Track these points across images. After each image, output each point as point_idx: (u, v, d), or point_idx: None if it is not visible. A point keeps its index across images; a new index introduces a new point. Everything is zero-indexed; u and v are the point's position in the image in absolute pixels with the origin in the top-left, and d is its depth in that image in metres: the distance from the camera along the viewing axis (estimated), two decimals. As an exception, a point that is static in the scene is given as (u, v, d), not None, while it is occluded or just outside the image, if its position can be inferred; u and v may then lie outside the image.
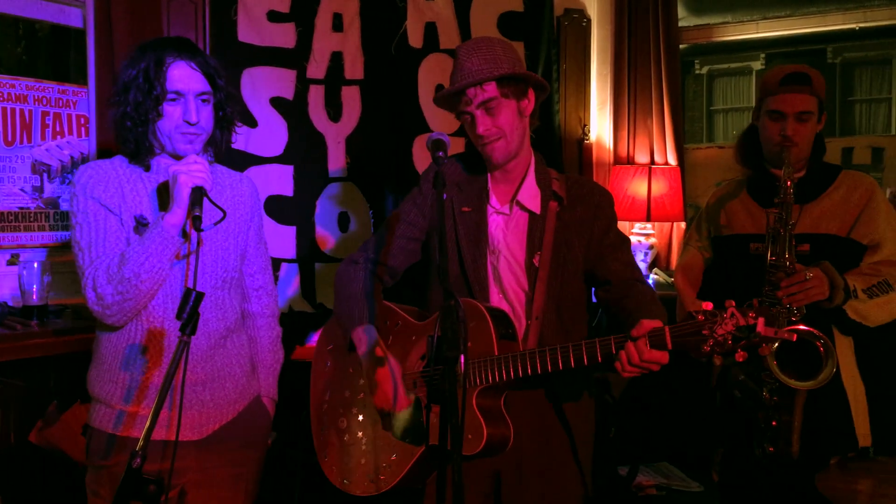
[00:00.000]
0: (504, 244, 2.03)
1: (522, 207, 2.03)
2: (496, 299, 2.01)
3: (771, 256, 2.14)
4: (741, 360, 1.66)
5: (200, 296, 1.51)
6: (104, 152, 3.04)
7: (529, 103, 2.01)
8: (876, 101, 12.54)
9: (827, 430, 2.21)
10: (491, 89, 1.93)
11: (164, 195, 1.96)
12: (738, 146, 2.42)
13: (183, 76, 1.90)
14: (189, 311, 1.48)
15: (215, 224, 1.88)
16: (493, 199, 2.05)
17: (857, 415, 2.25)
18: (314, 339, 3.35)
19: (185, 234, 1.86)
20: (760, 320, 1.63)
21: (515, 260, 2.02)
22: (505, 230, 2.04)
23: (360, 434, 2.07)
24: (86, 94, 3.15)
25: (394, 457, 1.98)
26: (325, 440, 2.14)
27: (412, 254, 2.13)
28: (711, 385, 2.37)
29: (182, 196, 1.81)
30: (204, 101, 1.94)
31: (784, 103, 2.22)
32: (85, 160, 3.14)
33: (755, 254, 2.26)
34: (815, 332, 2.05)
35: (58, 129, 3.10)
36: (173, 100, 1.89)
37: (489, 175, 2.07)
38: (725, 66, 13.96)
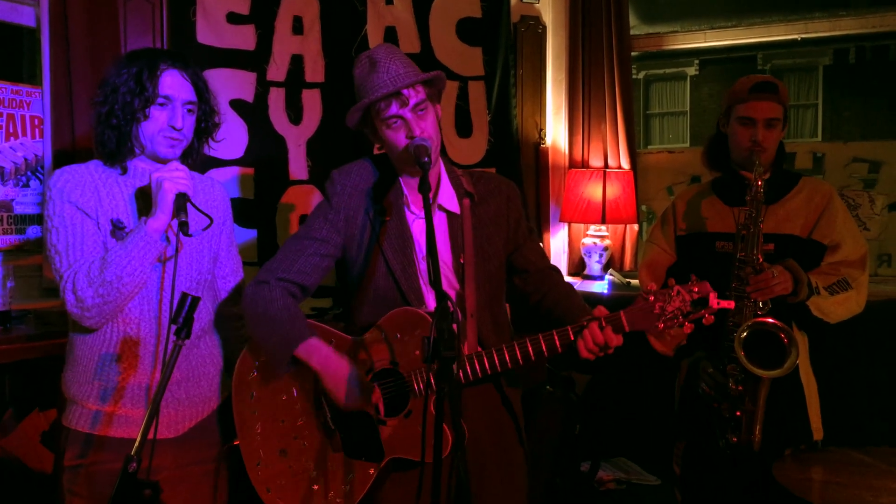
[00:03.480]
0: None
1: (441, 209, 2.03)
2: (433, 305, 1.95)
3: (740, 252, 2.24)
4: (689, 331, 1.84)
5: (196, 300, 1.52)
6: (59, 153, 2.97)
7: (440, 110, 2.02)
8: (804, 107, 13.03)
9: (785, 423, 2.33)
10: (421, 92, 1.92)
11: (141, 200, 1.99)
12: (705, 151, 2.52)
13: (174, 83, 1.97)
14: (185, 315, 1.48)
15: (203, 230, 1.93)
16: (412, 205, 2.02)
17: (810, 409, 2.38)
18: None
19: (165, 238, 1.90)
20: (712, 295, 1.82)
21: (444, 262, 2.01)
22: None
23: (306, 460, 2.01)
24: (40, 95, 3.07)
25: (351, 475, 1.97)
26: (265, 474, 2.04)
27: (325, 270, 2.06)
28: (680, 381, 2.46)
29: (166, 201, 1.86)
30: (189, 111, 2.01)
31: (754, 110, 2.33)
32: (39, 162, 3.06)
33: (721, 251, 2.36)
34: (779, 323, 2.16)
35: (11, 130, 3.01)
36: (162, 104, 1.95)
37: (402, 181, 2.03)
38: (661, 71, 14.31)
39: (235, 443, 2.10)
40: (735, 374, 2.25)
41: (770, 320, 2.17)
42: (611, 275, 3.76)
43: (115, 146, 1.96)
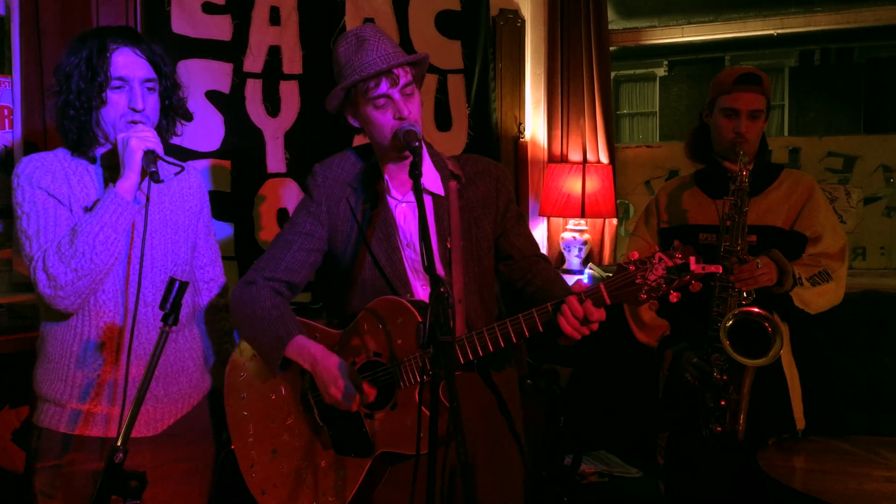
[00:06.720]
0: (416, 234, 1.97)
1: (426, 192, 1.96)
2: (420, 292, 1.96)
3: (724, 243, 2.25)
4: (675, 300, 1.70)
5: (184, 285, 1.48)
6: (29, 144, 2.90)
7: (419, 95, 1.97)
8: (770, 107, 13.23)
9: (768, 413, 2.34)
10: (409, 73, 1.88)
11: (108, 177, 1.90)
12: (688, 142, 2.53)
13: (127, 62, 1.86)
14: (172, 301, 1.44)
15: (176, 175, 1.86)
16: (394, 191, 1.99)
17: (793, 399, 2.40)
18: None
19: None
20: (692, 259, 1.68)
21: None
22: (413, 220, 1.98)
23: (296, 459, 1.98)
24: (9, 85, 2.99)
25: (343, 472, 1.93)
26: (259, 476, 2.02)
27: (314, 265, 2.04)
28: (663, 371, 2.46)
29: (135, 160, 1.77)
30: (149, 88, 1.90)
31: (738, 101, 2.34)
32: (9, 153, 2.99)
33: (704, 243, 2.37)
34: (763, 312, 2.17)
35: (-22, 120, 2.93)
36: (118, 87, 1.85)
37: (383, 167, 1.99)
38: (631, 71, 14.41)
39: (232, 447, 2.06)
40: (719, 364, 2.25)
41: (755, 309, 2.18)
42: (590, 269, 3.76)
43: (78, 136, 1.86)
